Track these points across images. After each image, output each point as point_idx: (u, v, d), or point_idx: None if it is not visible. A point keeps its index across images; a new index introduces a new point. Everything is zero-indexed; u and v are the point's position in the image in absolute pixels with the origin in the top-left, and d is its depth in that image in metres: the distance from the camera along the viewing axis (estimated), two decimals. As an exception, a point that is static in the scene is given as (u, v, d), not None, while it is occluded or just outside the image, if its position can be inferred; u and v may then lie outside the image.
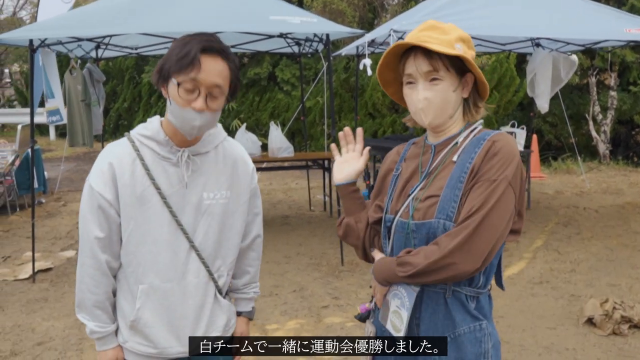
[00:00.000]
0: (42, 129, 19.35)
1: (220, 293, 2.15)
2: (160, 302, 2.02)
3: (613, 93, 13.75)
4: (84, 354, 4.49)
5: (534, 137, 11.62)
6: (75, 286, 2.06)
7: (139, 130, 2.02)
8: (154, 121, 2.04)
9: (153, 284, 2.00)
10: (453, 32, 1.85)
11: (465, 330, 1.88)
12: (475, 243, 1.73)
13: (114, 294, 2.09)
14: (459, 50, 1.82)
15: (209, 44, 1.87)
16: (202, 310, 2.09)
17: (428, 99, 1.85)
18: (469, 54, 1.85)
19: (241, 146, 2.23)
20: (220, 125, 2.12)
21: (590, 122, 13.81)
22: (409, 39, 1.85)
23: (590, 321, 4.82)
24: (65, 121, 7.66)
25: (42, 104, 8.50)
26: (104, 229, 1.97)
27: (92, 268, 1.99)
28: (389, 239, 1.98)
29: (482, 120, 1.95)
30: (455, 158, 1.87)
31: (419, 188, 1.91)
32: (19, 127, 9.81)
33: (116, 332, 2.11)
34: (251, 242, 2.31)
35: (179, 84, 1.85)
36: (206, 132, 2.05)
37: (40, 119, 15.87)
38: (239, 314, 2.34)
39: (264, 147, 8.67)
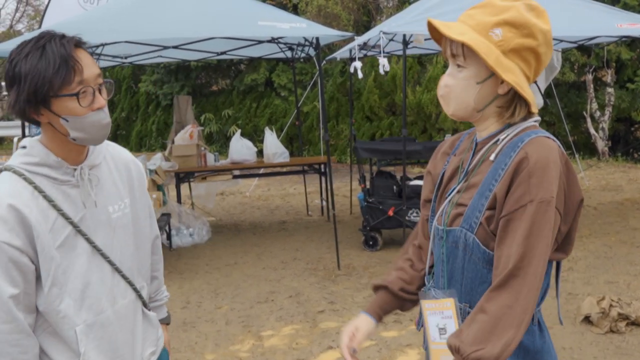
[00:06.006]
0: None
1: (146, 306, 2.03)
2: (101, 337, 1.83)
3: (610, 90, 13.72)
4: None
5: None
6: None
7: (23, 160, 1.75)
8: (35, 145, 1.76)
9: (88, 321, 1.80)
10: (504, 13, 1.57)
11: None
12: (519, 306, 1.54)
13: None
14: (495, 36, 1.56)
15: (74, 39, 1.71)
16: (135, 329, 1.96)
17: (448, 86, 1.65)
18: (512, 42, 1.56)
19: (123, 148, 2.08)
20: None
21: (588, 120, 13.78)
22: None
23: (587, 319, 4.78)
24: None
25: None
26: (18, 283, 1.68)
27: (14, 333, 1.68)
28: (432, 243, 1.82)
29: (538, 118, 1.67)
30: (492, 157, 1.63)
31: (455, 190, 1.72)
32: (15, 139, 9.85)
33: None
34: (152, 245, 2.14)
35: (77, 95, 1.67)
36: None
37: (36, 131, 15.97)
38: None
39: (261, 153, 8.67)
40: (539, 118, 1.68)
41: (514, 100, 1.62)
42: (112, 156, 1.96)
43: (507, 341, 1.51)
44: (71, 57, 1.65)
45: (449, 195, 1.74)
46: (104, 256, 1.83)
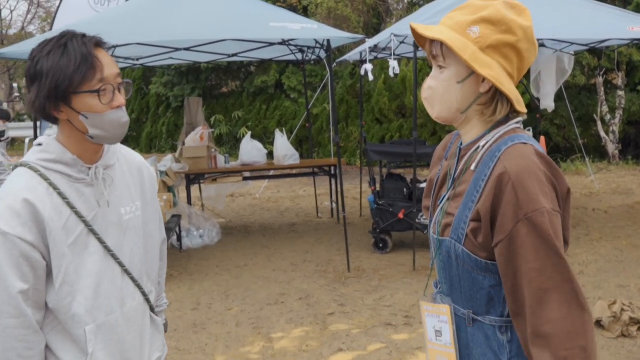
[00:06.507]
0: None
1: (153, 311, 2.03)
2: (110, 338, 1.83)
3: (621, 93, 13.66)
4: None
5: (542, 138, 11.55)
6: None
7: (39, 156, 1.76)
8: (51, 143, 1.78)
9: (98, 320, 1.79)
10: (482, 12, 1.58)
11: None
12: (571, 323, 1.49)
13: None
14: (473, 34, 1.56)
15: (95, 38, 1.74)
16: (144, 332, 1.96)
17: (431, 88, 1.64)
18: (489, 38, 1.56)
19: (135, 152, 2.10)
20: None
21: (599, 123, 13.73)
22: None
23: (598, 323, 4.76)
24: None
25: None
26: (28, 279, 1.67)
27: (21, 328, 1.68)
28: (432, 251, 1.81)
29: (520, 118, 1.65)
30: (473, 167, 1.62)
31: (446, 198, 1.71)
32: (27, 140, 9.92)
33: None
34: (159, 250, 2.14)
35: (98, 92, 1.70)
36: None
37: (49, 132, 16.12)
38: None
39: (270, 155, 8.68)
40: (520, 119, 1.66)
41: (495, 97, 1.60)
42: (126, 158, 1.97)
43: (582, 347, 1.48)
44: (92, 56, 1.68)
45: (440, 202, 1.74)
46: (115, 257, 1.83)
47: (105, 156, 1.85)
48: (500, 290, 1.60)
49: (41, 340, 1.74)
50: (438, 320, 1.76)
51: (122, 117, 1.76)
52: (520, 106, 1.60)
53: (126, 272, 1.87)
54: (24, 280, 1.67)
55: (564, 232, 1.59)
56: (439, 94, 1.64)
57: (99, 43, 1.74)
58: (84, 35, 1.72)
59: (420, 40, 1.71)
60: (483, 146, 1.62)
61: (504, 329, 1.62)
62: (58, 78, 1.65)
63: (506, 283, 1.56)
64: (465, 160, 1.67)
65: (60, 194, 1.73)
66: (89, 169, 1.79)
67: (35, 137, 6.45)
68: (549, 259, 1.49)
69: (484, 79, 1.58)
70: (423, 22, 6.48)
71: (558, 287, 1.49)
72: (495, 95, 1.60)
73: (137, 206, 1.93)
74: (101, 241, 1.80)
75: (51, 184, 1.72)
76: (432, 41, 1.62)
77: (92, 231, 1.78)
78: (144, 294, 1.95)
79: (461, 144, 1.73)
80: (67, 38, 1.70)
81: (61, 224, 1.72)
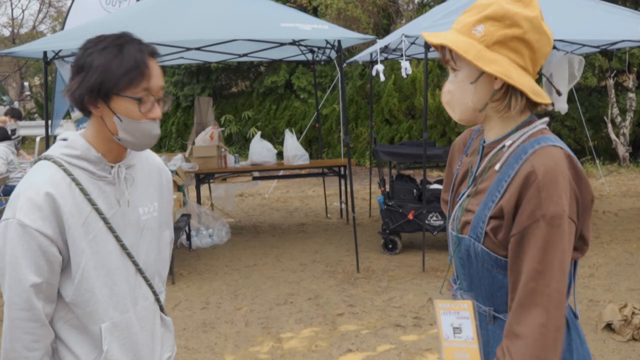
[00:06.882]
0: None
1: (162, 310, 2.04)
2: (124, 336, 1.85)
3: (632, 95, 13.59)
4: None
5: (552, 140, 11.52)
6: (3, 352, 1.72)
7: (64, 151, 1.77)
8: (76, 139, 1.79)
9: (113, 318, 1.81)
10: (485, 10, 1.59)
11: None
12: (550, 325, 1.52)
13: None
14: (478, 33, 1.58)
15: (150, 48, 1.77)
16: (155, 332, 1.98)
17: (450, 92, 1.68)
18: (494, 35, 1.57)
19: (153, 153, 2.13)
20: None
21: (609, 125, 13.67)
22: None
23: (609, 327, 4.74)
24: None
25: (68, 115, 8.58)
26: (43, 272, 1.68)
27: (30, 321, 1.69)
28: (450, 247, 1.83)
29: (546, 119, 1.67)
30: (497, 167, 1.63)
31: (466, 194, 1.73)
32: (37, 139, 9.97)
33: None
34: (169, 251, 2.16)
35: (140, 100, 1.72)
36: None
37: (59, 130, 16.25)
38: None
39: (280, 155, 8.69)
40: (546, 119, 1.66)
41: (507, 92, 1.61)
42: (146, 159, 2.00)
43: None
44: (145, 64, 1.71)
45: (460, 199, 1.75)
46: (130, 256, 1.85)
47: (127, 156, 1.88)
48: None
49: (48, 334, 1.74)
50: (457, 317, 1.76)
51: (154, 129, 1.80)
52: (537, 96, 1.60)
53: (139, 271, 1.89)
54: (39, 274, 1.68)
55: (585, 233, 1.61)
56: (457, 97, 1.67)
57: (153, 53, 1.77)
58: (140, 42, 1.75)
59: (437, 48, 1.73)
60: (508, 146, 1.63)
61: None
62: (105, 76, 1.68)
63: (510, 277, 1.58)
64: (488, 159, 1.68)
65: (82, 190, 1.74)
66: (112, 167, 1.81)
67: (47, 135, 6.48)
68: (553, 265, 1.51)
69: (496, 77, 1.59)
70: (434, 22, 6.48)
71: (550, 295, 1.51)
72: (508, 90, 1.61)
73: (154, 207, 1.95)
74: (118, 239, 1.81)
75: (74, 180, 1.74)
76: (443, 47, 1.65)
77: (110, 229, 1.79)
78: (154, 293, 1.96)
79: (484, 141, 1.73)
80: (125, 40, 1.72)
81: (81, 221, 1.73)
